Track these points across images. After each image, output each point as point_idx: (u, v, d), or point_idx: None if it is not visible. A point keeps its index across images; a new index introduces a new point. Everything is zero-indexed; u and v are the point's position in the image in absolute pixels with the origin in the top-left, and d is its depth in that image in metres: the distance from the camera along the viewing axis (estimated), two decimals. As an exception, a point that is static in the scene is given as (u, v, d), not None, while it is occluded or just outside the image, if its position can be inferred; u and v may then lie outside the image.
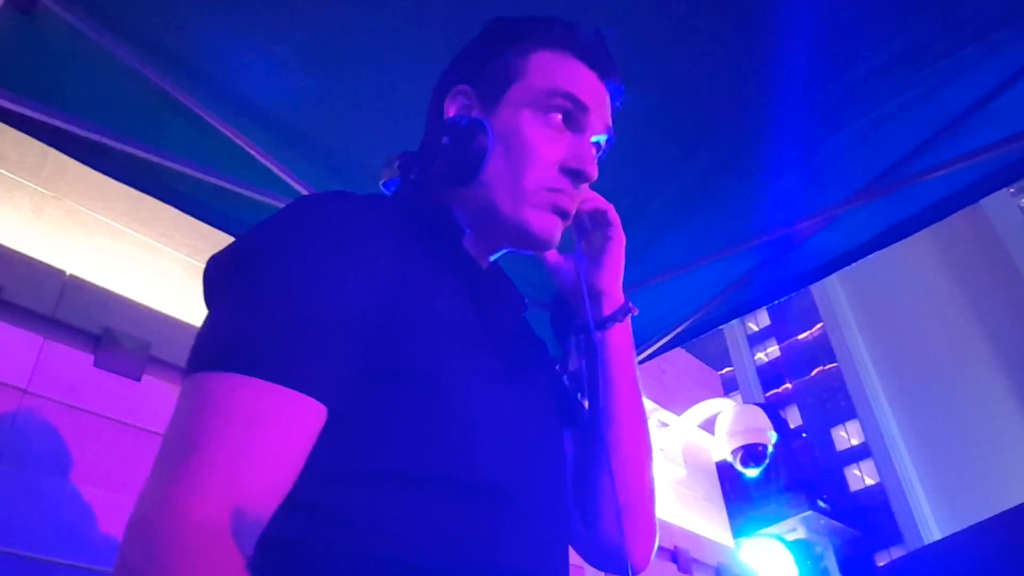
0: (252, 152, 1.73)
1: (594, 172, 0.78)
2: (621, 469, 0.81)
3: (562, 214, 0.78)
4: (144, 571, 0.48)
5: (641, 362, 2.34)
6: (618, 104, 0.84)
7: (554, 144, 0.77)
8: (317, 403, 0.57)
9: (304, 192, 1.83)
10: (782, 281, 2.15)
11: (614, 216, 0.88)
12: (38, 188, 3.07)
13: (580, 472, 0.86)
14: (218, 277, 0.64)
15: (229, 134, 1.68)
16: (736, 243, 2.01)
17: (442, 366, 0.65)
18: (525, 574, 0.66)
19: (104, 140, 1.67)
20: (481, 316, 0.74)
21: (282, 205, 1.88)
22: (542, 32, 0.80)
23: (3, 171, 2.98)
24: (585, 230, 0.88)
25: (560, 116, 0.78)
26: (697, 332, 2.31)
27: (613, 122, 0.83)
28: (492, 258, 0.85)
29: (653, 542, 0.84)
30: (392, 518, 0.60)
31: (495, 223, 0.78)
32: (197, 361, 0.58)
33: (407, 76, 1.53)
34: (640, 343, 2.29)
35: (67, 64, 1.56)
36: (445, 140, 0.76)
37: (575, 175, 0.77)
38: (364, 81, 1.60)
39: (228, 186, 1.83)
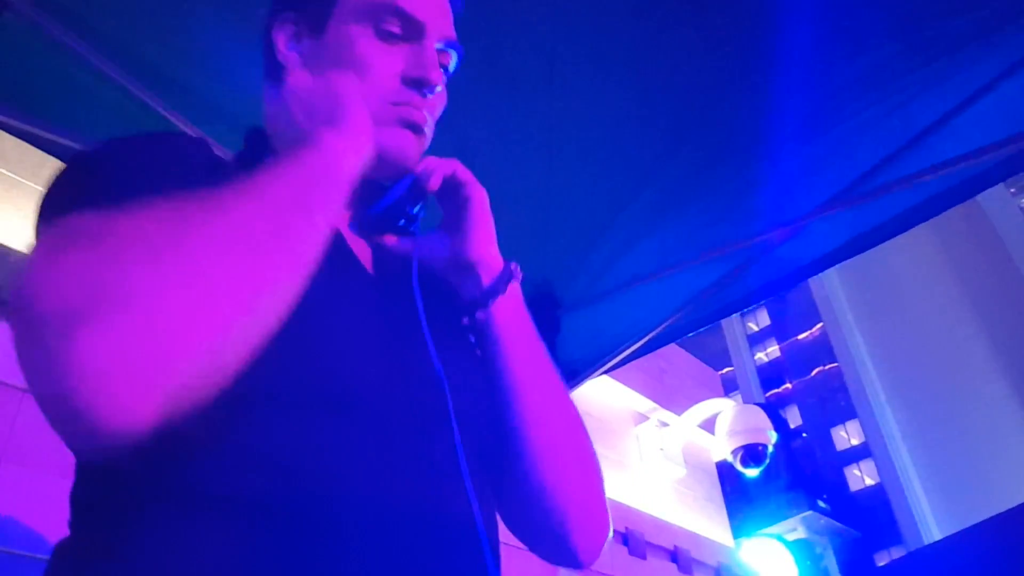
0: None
1: (437, 78, 0.72)
2: (543, 452, 0.72)
3: (413, 127, 0.72)
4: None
5: (615, 367, 2.37)
6: (460, 8, 0.79)
7: (390, 56, 0.72)
8: None
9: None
10: (756, 286, 2.19)
11: (464, 173, 0.77)
12: (38, 188, 3.07)
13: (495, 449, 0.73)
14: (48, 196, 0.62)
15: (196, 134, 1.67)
16: (711, 249, 2.05)
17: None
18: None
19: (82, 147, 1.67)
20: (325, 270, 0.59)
21: None
22: None
23: (3, 171, 2.98)
24: (443, 202, 0.78)
25: (393, 27, 0.72)
26: (666, 340, 2.34)
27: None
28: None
29: (600, 529, 0.74)
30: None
31: None
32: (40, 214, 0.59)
33: None
34: (609, 351, 2.30)
35: (39, 69, 1.55)
36: None
37: (418, 83, 0.71)
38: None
39: None
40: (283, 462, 0.54)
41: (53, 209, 0.59)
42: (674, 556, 4.81)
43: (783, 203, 1.91)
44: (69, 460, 0.55)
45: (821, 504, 24.20)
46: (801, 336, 32.33)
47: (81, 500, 0.58)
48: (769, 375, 32.82)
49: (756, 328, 34.51)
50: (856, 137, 1.74)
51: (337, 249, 0.66)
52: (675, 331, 2.30)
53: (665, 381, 5.79)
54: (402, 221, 0.74)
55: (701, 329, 2.31)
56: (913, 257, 27.34)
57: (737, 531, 6.24)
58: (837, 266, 2.14)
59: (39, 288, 0.46)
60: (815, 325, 31.53)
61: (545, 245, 1.91)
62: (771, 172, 1.80)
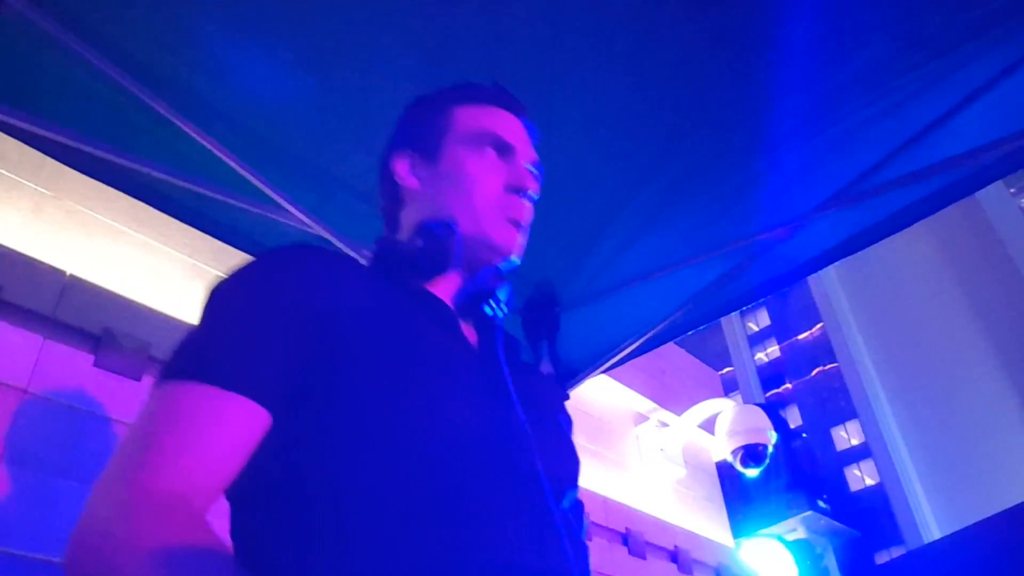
0: (224, 157, 1.71)
1: (534, 186, 0.91)
2: None
3: (516, 224, 0.90)
4: (116, 530, 0.59)
5: (614, 366, 2.37)
6: (536, 141, 0.99)
7: (493, 172, 0.91)
8: (250, 401, 0.68)
9: (274, 197, 1.82)
10: (756, 284, 2.19)
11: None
12: (38, 188, 3.07)
13: None
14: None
15: (194, 134, 1.65)
16: (710, 247, 2.04)
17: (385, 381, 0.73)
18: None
19: (80, 144, 1.66)
20: (436, 341, 0.80)
21: (257, 211, 1.88)
22: (455, 93, 0.98)
23: (3, 171, 2.98)
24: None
25: (491, 150, 0.92)
26: (665, 339, 2.34)
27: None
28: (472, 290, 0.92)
29: None
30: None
31: (463, 246, 0.88)
32: (158, 376, 0.71)
33: (382, 85, 1.55)
34: (608, 350, 2.31)
35: (37, 67, 1.54)
36: (419, 242, 0.85)
37: (518, 190, 0.91)
38: (342, 90, 1.60)
39: (201, 189, 1.82)
40: (401, 505, 0.67)
41: (166, 368, 0.72)
42: (674, 556, 4.80)
43: (783, 201, 1.91)
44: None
45: (821, 504, 24.19)
46: (801, 336, 32.31)
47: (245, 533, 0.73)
48: (769, 375, 32.80)
49: (756, 328, 34.49)
50: (855, 135, 1.74)
51: (447, 322, 0.84)
52: (675, 329, 2.30)
53: (665, 381, 5.79)
54: (490, 302, 0.90)
55: (701, 327, 2.31)
56: (913, 257, 27.33)
57: (737, 531, 6.23)
58: (837, 266, 2.15)
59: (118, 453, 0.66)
60: (815, 325, 31.51)
61: (544, 243, 1.91)
62: (771, 170, 1.80)
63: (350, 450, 0.70)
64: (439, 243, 0.85)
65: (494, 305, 0.90)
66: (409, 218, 0.94)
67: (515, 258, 0.91)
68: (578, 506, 0.88)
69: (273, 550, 0.68)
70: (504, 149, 0.93)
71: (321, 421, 0.71)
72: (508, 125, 0.94)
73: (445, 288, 0.90)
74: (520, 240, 0.91)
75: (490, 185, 0.90)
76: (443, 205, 0.90)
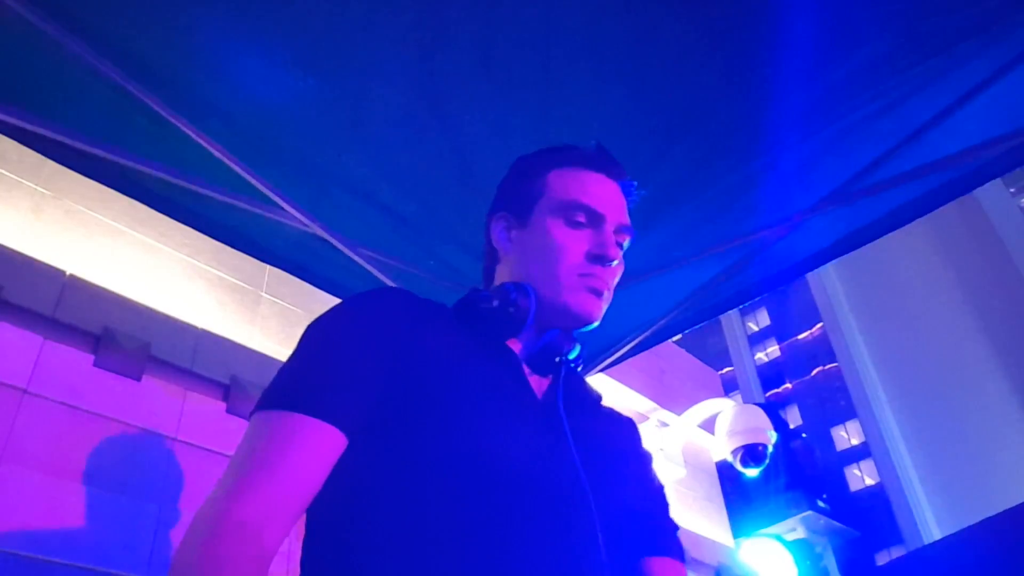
0: (222, 156, 1.71)
1: (615, 254, 0.95)
2: None
3: (595, 292, 0.94)
4: (198, 557, 0.68)
5: (613, 364, 2.37)
6: (633, 200, 1.04)
7: (578, 240, 0.95)
8: (333, 428, 0.77)
9: (272, 196, 1.83)
10: (754, 282, 2.19)
11: None
12: (38, 188, 3.07)
13: None
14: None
15: (191, 134, 1.65)
16: (708, 245, 2.04)
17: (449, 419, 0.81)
18: None
19: (76, 143, 1.66)
20: (501, 389, 0.87)
21: (254, 210, 1.88)
22: (554, 156, 1.01)
23: (3, 171, 2.98)
24: None
25: (580, 217, 0.96)
26: (663, 337, 2.34)
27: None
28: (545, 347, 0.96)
29: None
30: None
31: (542, 310, 0.94)
32: (256, 406, 0.80)
33: (379, 84, 1.55)
34: (607, 348, 2.31)
35: (35, 67, 1.54)
36: (495, 303, 0.91)
37: (600, 259, 0.94)
38: (339, 90, 1.60)
39: (199, 189, 1.82)
40: (451, 539, 0.76)
41: (262, 399, 0.82)
42: (674, 556, 4.80)
43: (780, 199, 1.91)
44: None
45: (821, 504, 24.17)
46: (801, 336, 32.30)
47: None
48: (769, 375, 32.80)
49: (756, 328, 34.48)
50: (853, 133, 1.73)
51: (514, 373, 0.91)
52: (674, 327, 2.30)
53: (665, 381, 5.79)
54: (556, 359, 0.94)
55: (700, 325, 2.31)
56: (913, 257, 27.33)
57: (737, 531, 6.23)
58: (837, 266, 2.16)
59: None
60: (815, 325, 31.51)
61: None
62: (768, 168, 1.80)
63: (407, 482, 0.78)
64: (513, 305, 0.91)
65: (562, 360, 0.94)
66: (501, 275, 1.02)
67: (595, 324, 0.96)
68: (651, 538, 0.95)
69: (331, 566, 0.78)
70: (593, 217, 0.96)
71: (386, 452, 0.80)
72: (600, 191, 0.98)
73: (517, 343, 0.97)
74: (600, 306, 0.96)
75: (573, 254, 0.94)
76: (527, 270, 0.96)
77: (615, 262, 0.95)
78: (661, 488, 1.02)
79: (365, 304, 0.89)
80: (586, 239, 0.95)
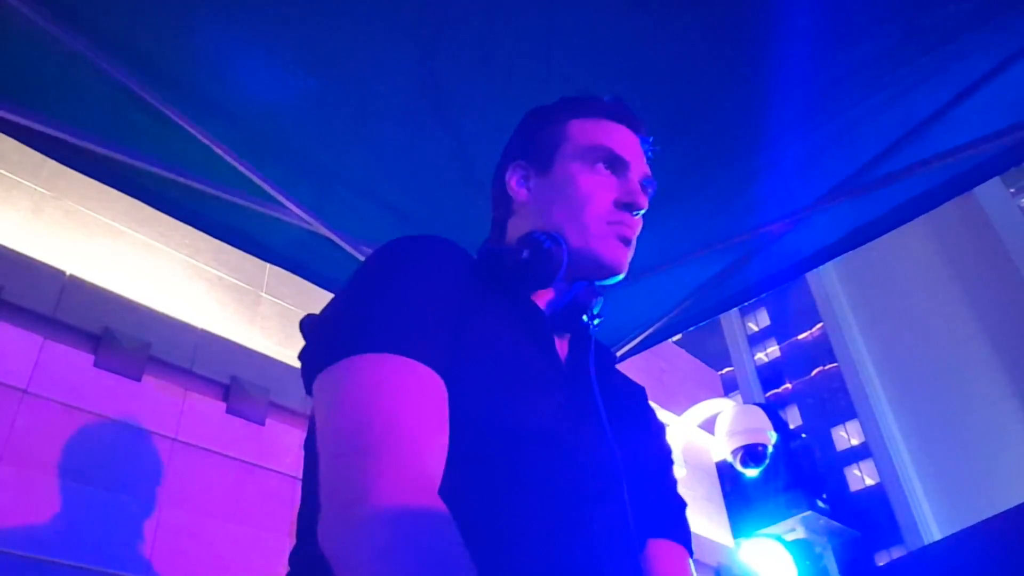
0: (223, 154, 1.71)
1: (644, 202, 0.90)
2: None
3: (624, 240, 0.90)
4: (388, 546, 0.59)
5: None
6: (651, 153, 0.98)
7: (605, 187, 0.91)
8: (432, 371, 0.71)
9: (273, 194, 1.82)
10: (756, 280, 2.18)
11: None
12: (38, 188, 3.06)
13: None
14: (339, 294, 0.79)
15: (193, 131, 1.65)
16: (710, 242, 2.03)
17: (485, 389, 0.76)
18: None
19: (77, 140, 1.66)
20: (529, 352, 0.83)
21: (256, 208, 1.87)
22: (574, 104, 0.97)
23: (3, 171, 2.98)
24: None
25: (603, 165, 0.91)
26: (664, 336, 2.33)
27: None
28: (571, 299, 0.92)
29: None
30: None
31: (571, 261, 0.89)
32: (332, 349, 0.71)
33: (381, 82, 1.54)
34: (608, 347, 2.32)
35: (35, 65, 1.54)
36: (525, 253, 0.86)
37: (628, 207, 0.90)
38: (341, 88, 1.60)
39: (200, 187, 1.82)
40: (478, 507, 0.70)
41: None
42: (674, 556, 4.80)
43: (782, 195, 1.90)
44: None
45: (821, 504, 24.16)
46: (801, 336, 32.30)
47: None
48: (769, 375, 32.79)
49: (756, 328, 34.47)
50: (855, 128, 1.73)
51: (541, 337, 0.86)
52: (674, 326, 2.30)
53: (665, 381, 5.79)
54: (584, 318, 0.89)
55: (701, 323, 2.30)
56: (913, 257, 27.33)
57: (737, 531, 6.23)
58: (837, 265, 2.15)
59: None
60: (815, 325, 31.50)
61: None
62: (770, 164, 1.79)
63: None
64: (546, 255, 0.85)
65: (588, 318, 0.90)
66: (516, 227, 0.95)
67: (622, 275, 0.92)
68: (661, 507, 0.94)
69: None
70: (617, 164, 0.92)
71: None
72: (623, 139, 0.94)
73: (542, 296, 0.91)
74: (628, 256, 0.92)
75: (601, 201, 0.90)
76: (552, 218, 0.91)
77: (642, 211, 0.91)
78: (672, 463, 1.00)
79: (424, 244, 0.82)
80: (613, 187, 0.91)
